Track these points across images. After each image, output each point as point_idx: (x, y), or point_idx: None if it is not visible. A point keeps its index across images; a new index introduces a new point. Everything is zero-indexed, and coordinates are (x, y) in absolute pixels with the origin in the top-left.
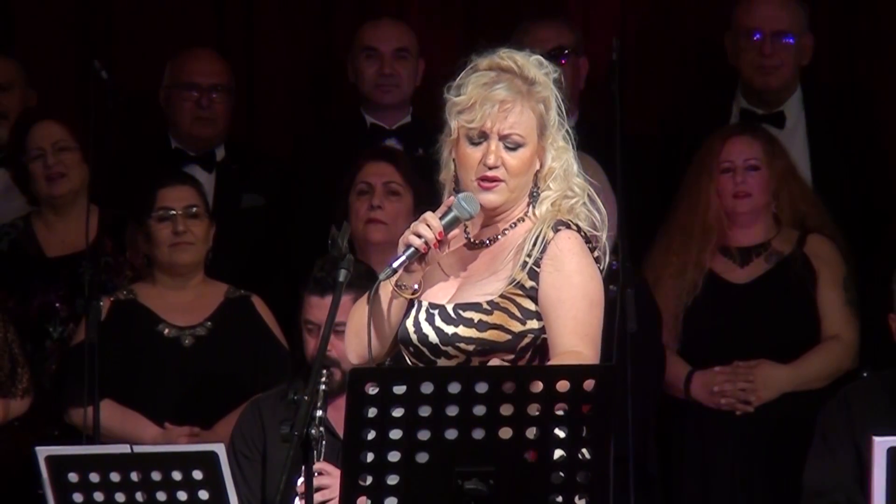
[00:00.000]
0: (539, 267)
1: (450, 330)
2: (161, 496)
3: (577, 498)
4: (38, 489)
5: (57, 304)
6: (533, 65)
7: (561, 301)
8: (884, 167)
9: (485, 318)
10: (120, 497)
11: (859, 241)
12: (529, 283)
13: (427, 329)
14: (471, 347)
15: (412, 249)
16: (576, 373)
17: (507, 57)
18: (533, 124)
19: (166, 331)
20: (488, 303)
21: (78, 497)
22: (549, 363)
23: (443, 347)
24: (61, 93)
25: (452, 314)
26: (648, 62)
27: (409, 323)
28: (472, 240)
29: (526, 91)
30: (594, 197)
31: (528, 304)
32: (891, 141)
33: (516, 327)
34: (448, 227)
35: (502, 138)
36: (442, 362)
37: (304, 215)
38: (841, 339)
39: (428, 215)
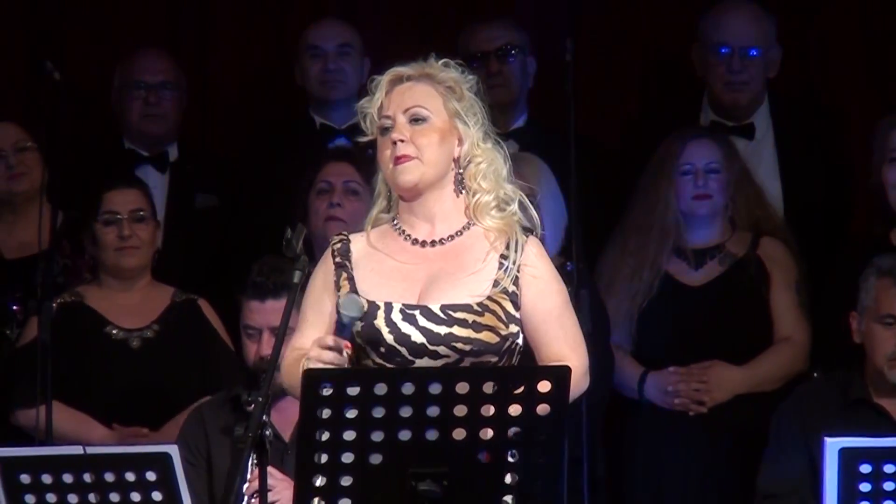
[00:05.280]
0: (519, 272)
1: (442, 330)
2: (114, 497)
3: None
4: None
5: (14, 307)
6: (436, 64)
7: (548, 311)
8: (848, 173)
9: (477, 318)
10: (73, 498)
11: (824, 245)
12: (511, 288)
13: (408, 329)
14: (467, 347)
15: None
16: (530, 374)
17: (410, 63)
18: (439, 103)
19: (114, 333)
20: (479, 304)
21: (30, 498)
22: None
23: (431, 347)
24: (12, 94)
25: (441, 314)
26: (603, 65)
27: (380, 323)
28: (417, 239)
29: (427, 74)
30: (526, 203)
31: (510, 308)
32: (854, 147)
33: (503, 330)
34: (346, 337)
35: (405, 112)
36: (424, 362)
37: (257, 216)
38: (793, 341)
39: (322, 351)
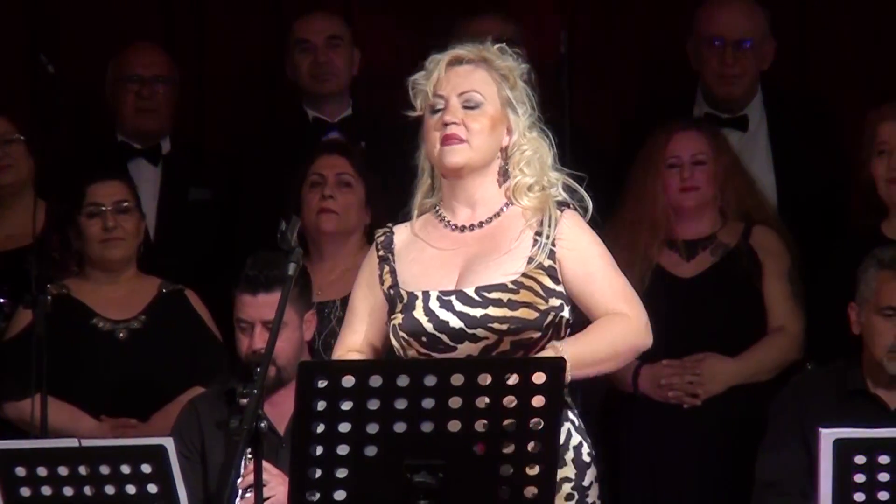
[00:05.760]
0: (554, 246)
1: (478, 312)
2: (110, 490)
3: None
4: None
5: (2, 300)
6: (493, 48)
7: (591, 274)
8: (842, 165)
9: (513, 297)
10: (68, 491)
11: (819, 237)
12: (548, 262)
13: (446, 315)
14: (504, 327)
15: None
16: (525, 366)
17: (467, 44)
18: (493, 90)
19: (101, 324)
20: (513, 282)
21: (25, 491)
22: (598, 321)
23: (469, 331)
24: (6, 86)
25: (476, 297)
26: (597, 57)
27: (419, 314)
28: (456, 225)
29: (484, 59)
30: (574, 185)
31: (548, 283)
32: (847, 139)
33: (542, 305)
34: None
35: (460, 95)
36: (465, 346)
37: (251, 210)
38: (786, 331)
39: None
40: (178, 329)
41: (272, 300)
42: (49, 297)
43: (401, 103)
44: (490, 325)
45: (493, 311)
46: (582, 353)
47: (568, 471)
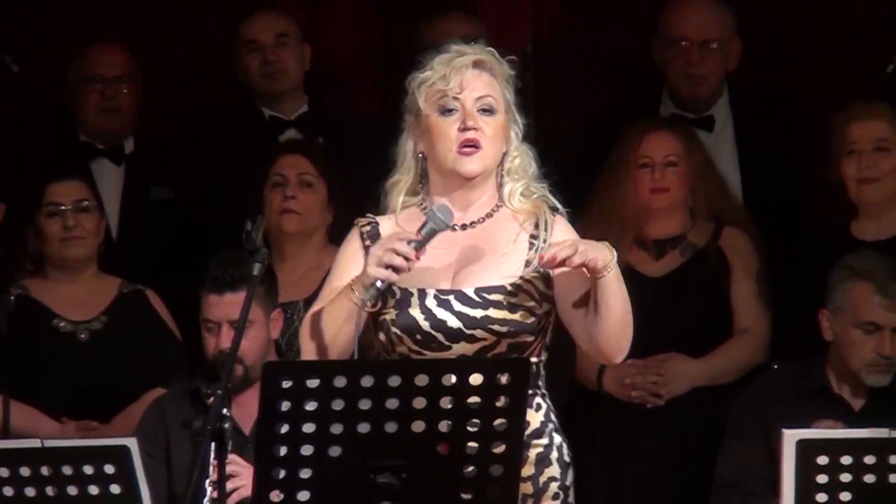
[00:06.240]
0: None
1: (477, 313)
2: (72, 490)
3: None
4: None
5: None
6: (497, 56)
7: (581, 279)
8: (807, 165)
9: (512, 300)
10: (30, 492)
11: (783, 237)
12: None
13: (444, 315)
14: (504, 329)
15: (380, 281)
16: (490, 366)
17: (464, 46)
18: (500, 96)
19: (61, 325)
20: (512, 285)
21: None
22: None
23: (467, 331)
24: None
25: (476, 297)
26: (562, 57)
27: (415, 311)
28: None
29: (491, 65)
30: (554, 202)
31: (542, 287)
32: (813, 139)
33: (538, 310)
34: (424, 243)
35: (477, 100)
36: (461, 346)
37: (212, 209)
38: (752, 333)
39: (397, 242)
40: (139, 330)
41: (238, 299)
42: (12, 298)
43: (362, 98)
44: (490, 326)
45: (493, 312)
46: (618, 279)
47: (554, 470)
